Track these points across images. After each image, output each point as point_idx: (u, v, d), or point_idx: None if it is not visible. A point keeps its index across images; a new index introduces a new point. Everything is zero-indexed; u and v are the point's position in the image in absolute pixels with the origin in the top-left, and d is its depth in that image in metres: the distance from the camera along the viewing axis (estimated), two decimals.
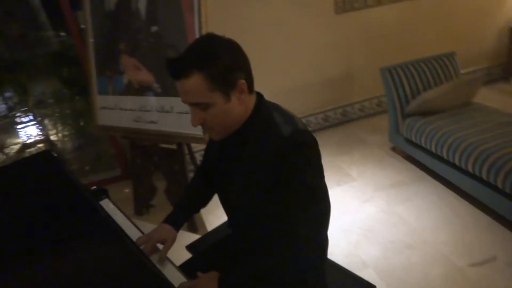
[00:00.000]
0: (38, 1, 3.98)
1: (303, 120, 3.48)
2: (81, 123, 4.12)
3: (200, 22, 2.10)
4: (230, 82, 1.01)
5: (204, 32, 2.10)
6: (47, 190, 1.36)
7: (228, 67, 1.00)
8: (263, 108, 1.11)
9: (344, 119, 3.68)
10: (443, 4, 3.58)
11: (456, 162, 2.35)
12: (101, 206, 1.50)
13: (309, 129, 3.33)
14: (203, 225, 2.55)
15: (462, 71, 3.10)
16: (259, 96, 1.15)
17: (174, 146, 2.47)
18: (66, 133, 4.17)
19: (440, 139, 2.45)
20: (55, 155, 1.59)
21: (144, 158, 2.63)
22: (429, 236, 2.18)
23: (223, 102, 1.03)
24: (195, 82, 0.98)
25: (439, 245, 2.11)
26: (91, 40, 2.56)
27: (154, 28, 2.28)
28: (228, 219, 1.31)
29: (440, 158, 2.53)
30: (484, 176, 2.17)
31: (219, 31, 3.04)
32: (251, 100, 1.10)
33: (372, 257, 2.10)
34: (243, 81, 1.04)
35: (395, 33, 3.51)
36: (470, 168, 2.26)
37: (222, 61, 0.99)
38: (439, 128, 2.51)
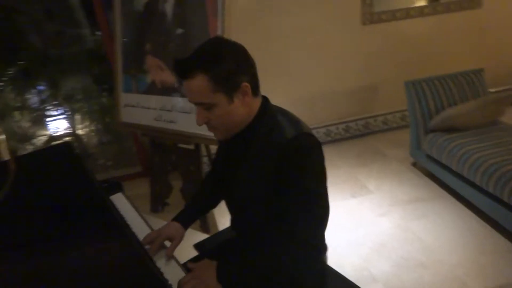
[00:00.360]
0: (77, 0, 4.14)
1: (324, 130, 3.48)
2: (107, 120, 4.24)
3: (223, 27, 2.13)
4: (233, 85, 1.04)
5: (226, 36, 2.13)
6: (61, 179, 1.42)
7: (231, 70, 1.03)
8: (268, 111, 1.14)
9: (365, 131, 3.64)
10: (475, 20, 3.50)
11: (477, 182, 2.28)
12: (110, 200, 1.55)
13: (329, 139, 3.29)
14: (215, 226, 2.57)
15: (490, 90, 3.01)
16: (265, 99, 1.17)
17: (192, 147, 2.51)
18: (92, 128, 4.30)
19: (462, 157, 2.39)
20: (75, 147, 1.65)
21: (163, 157, 2.68)
22: (444, 256, 2.12)
23: (226, 103, 1.05)
24: (199, 83, 1.02)
25: (453, 266, 2.04)
26: (124, 40, 2.64)
27: (179, 31, 2.34)
28: (231, 219, 1.33)
29: (461, 177, 2.45)
30: (505, 198, 2.09)
31: (242, 36, 3.10)
32: (256, 103, 1.13)
33: (383, 273, 2.06)
34: (247, 84, 1.06)
35: (423, 47, 3.46)
36: (491, 189, 2.18)
37: (226, 64, 1.02)
38: (461, 145, 2.44)
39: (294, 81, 3.34)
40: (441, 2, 3.38)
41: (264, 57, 3.18)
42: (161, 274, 1.10)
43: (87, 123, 4.31)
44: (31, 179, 1.46)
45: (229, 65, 1.02)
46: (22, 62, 3.84)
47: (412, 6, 3.33)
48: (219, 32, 2.15)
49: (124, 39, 2.63)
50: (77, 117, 4.31)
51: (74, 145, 1.69)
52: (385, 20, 3.29)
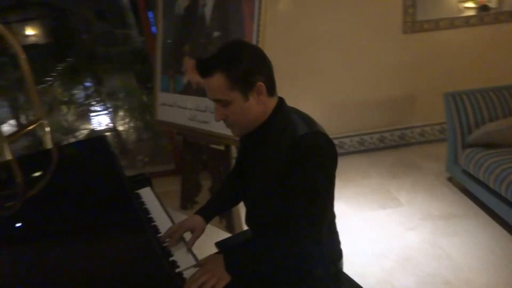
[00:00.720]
0: (127, 2, 4.34)
1: (357, 138, 3.43)
2: (147, 117, 4.39)
3: (258, 31, 2.17)
4: (248, 84, 1.10)
5: (261, 39, 2.17)
6: (93, 170, 1.50)
7: (247, 70, 1.08)
8: (283, 110, 1.19)
9: (401, 142, 3.55)
10: None
11: None
12: (137, 194, 1.62)
13: (363, 148, 3.24)
14: (240, 227, 2.60)
15: None
16: (280, 99, 1.21)
17: (222, 148, 2.55)
18: (132, 125, 4.47)
19: (500, 175, 2.28)
20: (109, 141, 1.74)
21: (194, 156, 2.75)
22: (473, 275, 2.03)
23: (241, 101, 1.11)
24: (217, 81, 1.09)
25: (482, 287, 1.95)
26: (164, 41, 2.74)
27: (216, 33, 2.40)
28: (246, 213, 1.35)
29: (498, 195, 2.34)
30: None
31: (278, 40, 3.13)
32: (271, 102, 1.17)
33: None
34: (261, 83, 1.11)
35: (465, 58, 3.33)
36: None
37: (242, 64, 1.08)
38: (500, 163, 2.33)
39: (327, 87, 3.32)
40: (490, 13, 3.25)
41: (299, 62, 3.21)
42: (173, 269, 1.13)
43: (127, 120, 4.49)
44: (67, 168, 1.56)
45: (245, 65, 1.09)
46: (70, 59, 4.07)
47: (457, 16, 3.22)
48: (254, 36, 2.19)
49: (166, 41, 2.73)
50: (119, 113, 4.50)
51: (110, 139, 1.76)
52: (427, 29, 3.21)
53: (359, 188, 2.95)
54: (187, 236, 1.33)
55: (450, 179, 2.92)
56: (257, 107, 1.14)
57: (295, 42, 3.18)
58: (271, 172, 1.16)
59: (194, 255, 1.26)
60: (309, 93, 3.33)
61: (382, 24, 3.19)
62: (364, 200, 2.80)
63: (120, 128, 4.48)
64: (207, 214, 1.37)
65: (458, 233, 2.35)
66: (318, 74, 3.28)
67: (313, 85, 3.31)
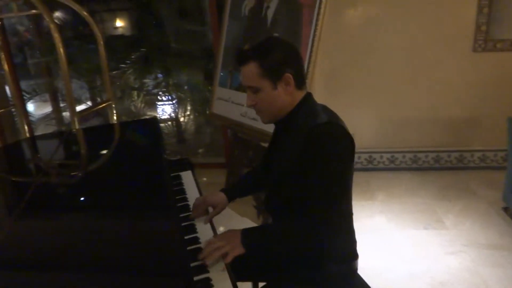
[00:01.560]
0: (207, 2, 4.58)
1: (411, 155, 3.32)
2: (207, 111, 4.60)
3: (314, 35, 2.21)
4: (277, 74, 1.18)
5: (315, 44, 2.21)
6: (140, 148, 1.65)
7: (277, 61, 1.17)
8: (309, 103, 1.25)
9: (458, 165, 3.37)
10: None
11: None
12: (178, 175, 1.75)
13: (416, 165, 3.16)
14: None
15: None
16: (308, 93, 1.27)
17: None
18: (192, 116, 4.71)
19: None
20: (158, 122, 1.89)
21: (241, 151, 2.85)
22: None
23: (270, 89, 1.20)
24: (250, 68, 1.19)
25: None
26: (231, 39, 2.88)
27: (275, 35, 2.48)
28: (265, 197, 1.41)
29: None
30: None
31: (338, 48, 3.15)
32: (299, 95, 1.24)
33: None
34: (290, 75, 1.18)
35: None
36: None
37: (273, 56, 1.18)
38: None
39: (384, 100, 3.26)
40: None
41: (358, 71, 3.20)
42: (187, 255, 1.18)
43: (189, 111, 4.74)
44: (119, 143, 1.73)
45: (276, 57, 1.18)
46: (143, 50, 4.39)
47: None
48: (309, 40, 2.24)
49: (230, 39, 2.87)
50: (182, 105, 4.76)
51: (158, 121, 1.92)
52: (500, 49, 3.03)
53: (404, 206, 2.87)
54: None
55: (505, 209, 2.73)
56: (284, 96, 1.21)
57: (356, 51, 3.17)
58: (289, 158, 1.21)
59: (213, 228, 1.35)
60: (365, 103, 3.30)
61: (451, 40, 3.08)
62: (408, 218, 2.71)
63: (181, 118, 4.74)
64: (231, 193, 1.47)
65: (502, 265, 2.20)
66: (376, 86, 3.24)
67: (370, 96, 3.27)
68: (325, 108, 1.26)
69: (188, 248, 1.24)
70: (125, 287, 0.93)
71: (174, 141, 4.73)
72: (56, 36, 2.29)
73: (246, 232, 1.19)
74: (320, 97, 3.39)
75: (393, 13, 3.05)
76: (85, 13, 2.54)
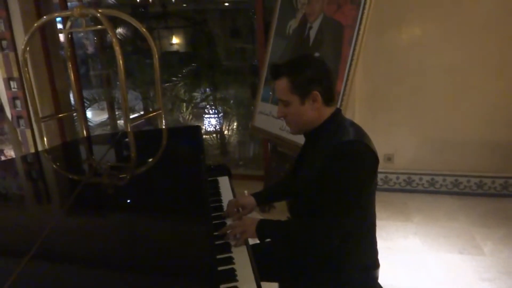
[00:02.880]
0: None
1: (452, 179, 3.27)
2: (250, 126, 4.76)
3: (352, 55, 2.30)
4: (305, 91, 1.29)
5: (354, 63, 2.30)
6: (181, 153, 1.81)
7: (307, 79, 1.28)
8: (337, 119, 1.34)
9: (503, 192, 3.26)
10: None
11: None
12: (216, 179, 1.89)
13: (456, 190, 3.13)
14: None
15: None
16: (338, 110, 1.36)
17: None
18: (236, 130, 4.90)
19: None
20: (201, 131, 2.05)
21: (279, 163, 2.96)
22: None
23: (298, 104, 1.31)
24: (282, 83, 1.31)
25: None
26: (275, 57, 3.04)
27: (316, 54, 2.60)
28: (289, 203, 1.51)
29: None
30: None
31: (380, 66, 3.24)
32: (327, 111, 1.33)
33: None
34: (317, 93, 1.28)
35: None
36: None
37: (304, 74, 1.28)
38: None
39: (426, 121, 3.25)
40: None
41: (400, 91, 3.24)
42: (215, 260, 1.23)
43: (232, 125, 4.93)
44: (164, 147, 1.91)
45: (306, 75, 1.29)
46: (194, 65, 4.67)
47: None
48: (348, 59, 2.33)
49: (274, 57, 3.02)
50: (227, 118, 4.97)
51: (201, 129, 2.08)
52: None
53: (441, 229, 2.82)
54: None
55: None
56: (311, 112, 1.32)
57: (399, 71, 3.21)
58: (314, 169, 1.31)
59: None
60: (405, 124, 3.30)
61: (499, 63, 3.03)
62: (443, 242, 2.67)
63: (226, 131, 4.94)
64: (259, 198, 1.59)
65: None
66: (418, 107, 3.24)
67: (411, 117, 3.27)
68: (352, 125, 1.35)
69: (217, 242, 1.37)
70: (157, 273, 0.98)
71: (218, 152, 4.93)
72: (117, 49, 2.55)
73: (262, 222, 1.33)
74: (361, 116, 3.49)
75: (437, 35, 3.07)
76: (144, 29, 2.80)
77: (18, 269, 0.87)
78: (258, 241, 1.37)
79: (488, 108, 3.12)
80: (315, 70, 1.31)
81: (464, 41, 3.03)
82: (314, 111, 1.32)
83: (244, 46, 5.14)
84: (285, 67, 1.32)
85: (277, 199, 1.70)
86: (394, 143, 3.38)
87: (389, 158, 3.41)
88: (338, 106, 2.37)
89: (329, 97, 1.33)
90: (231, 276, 1.18)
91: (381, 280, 1.50)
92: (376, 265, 1.39)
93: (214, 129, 4.97)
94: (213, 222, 1.50)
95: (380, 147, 3.35)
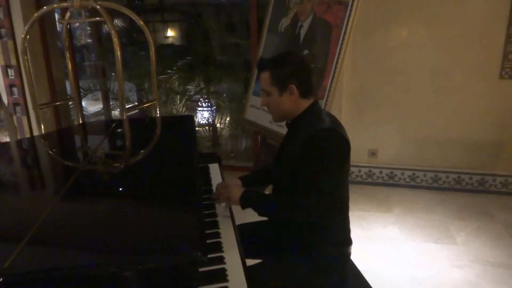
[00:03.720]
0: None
1: (432, 174, 3.43)
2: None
3: (339, 54, 2.44)
4: (283, 83, 1.44)
5: (340, 61, 2.44)
6: (175, 140, 1.94)
7: (286, 73, 1.43)
8: (314, 110, 1.49)
9: (479, 188, 3.44)
10: None
11: None
12: (207, 166, 2.02)
13: (436, 185, 3.31)
14: None
15: None
16: (314, 102, 1.51)
17: None
18: (227, 123, 5.02)
19: None
20: (194, 120, 2.18)
21: (267, 155, 3.10)
22: None
23: (277, 95, 1.46)
24: (265, 76, 1.47)
25: None
26: (267, 53, 3.17)
27: (305, 52, 2.73)
28: (273, 186, 1.66)
29: None
30: None
31: (368, 66, 3.45)
32: (304, 103, 1.48)
33: None
34: (293, 86, 1.43)
35: None
36: None
37: (283, 69, 1.44)
38: None
39: (410, 119, 3.41)
40: None
41: (386, 90, 3.39)
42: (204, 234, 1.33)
43: (225, 118, 5.06)
44: (157, 134, 2.03)
45: (285, 70, 1.44)
46: (189, 58, 4.78)
47: None
48: (335, 58, 2.47)
49: (266, 53, 3.15)
50: (219, 111, 5.09)
51: (194, 120, 2.21)
52: None
53: (418, 221, 2.99)
54: None
55: None
56: (289, 103, 1.47)
57: (385, 71, 3.36)
58: (293, 155, 1.45)
59: (230, 207, 1.61)
60: (390, 121, 3.46)
61: (479, 67, 3.20)
62: (420, 232, 2.84)
63: (218, 124, 5.07)
64: (245, 181, 1.73)
65: (506, 283, 2.29)
66: (402, 105, 3.40)
67: (396, 115, 3.43)
68: (328, 115, 1.50)
69: (207, 219, 1.51)
70: (149, 246, 1.04)
71: (210, 144, 5.06)
72: (115, 41, 2.65)
73: (246, 192, 1.50)
74: (348, 113, 3.64)
75: (422, 36, 3.22)
76: (142, 22, 2.90)
77: (16, 251, 0.93)
78: (243, 221, 1.52)
79: (469, 108, 3.29)
80: (293, 66, 1.45)
81: (448, 43, 3.19)
82: (291, 102, 1.47)
83: (239, 42, 5.26)
84: (268, 62, 1.48)
85: (262, 183, 1.84)
86: (379, 139, 3.54)
87: (373, 153, 3.57)
88: (324, 100, 2.52)
89: (306, 90, 1.47)
90: (217, 247, 1.33)
91: (358, 265, 1.66)
92: (349, 242, 1.54)
93: (206, 122, 5.10)
94: (203, 202, 1.64)
95: (365, 143, 3.54)
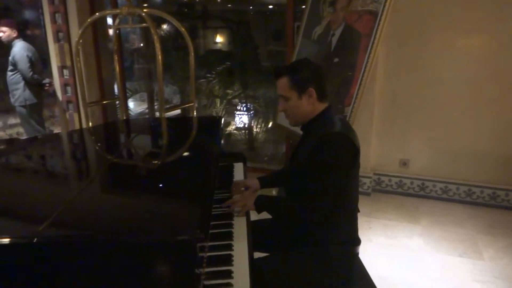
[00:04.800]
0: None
1: (465, 188, 3.36)
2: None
3: (367, 62, 2.49)
4: (302, 87, 1.52)
5: (367, 70, 2.49)
6: (200, 139, 2.09)
7: (304, 78, 1.52)
8: (328, 113, 1.57)
9: None
10: None
11: None
12: (231, 164, 2.16)
13: (469, 199, 3.28)
14: None
15: None
16: (329, 106, 1.59)
17: None
18: (263, 128, 5.15)
19: None
20: (221, 120, 2.33)
21: None
22: None
23: (296, 99, 1.54)
24: (283, 81, 1.55)
25: None
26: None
27: (336, 60, 2.80)
28: (285, 186, 1.75)
29: None
30: None
31: (400, 77, 3.49)
32: (320, 106, 1.57)
33: None
34: (312, 89, 1.52)
35: None
36: None
37: (301, 73, 1.52)
38: None
39: (441, 131, 3.37)
40: None
41: (417, 101, 3.39)
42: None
43: (261, 123, 5.19)
44: (185, 133, 2.20)
45: (303, 74, 1.52)
46: (228, 63, 4.97)
47: None
48: (363, 66, 2.53)
49: (298, 58, 3.24)
50: (256, 116, 5.23)
51: (222, 120, 2.36)
52: None
53: (445, 233, 2.95)
54: None
55: None
56: (307, 106, 1.55)
57: (419, 81, 3.34)
58: (304, 156, 1.53)
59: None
60: (422, 131, 3.43)
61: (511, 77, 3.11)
62: (446, 245, 2.80)
63: (254, 128, 5.21)
64: (263, 180, 1.84)
65: None
66: (436, 116, 3.36)
67: (428, 125, 3.40)
68: (341, 120, 1.56)
69: (223, 211, 1.64)
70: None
71: (245, 147, 5.21)
72: (157, 46, 2.86)
73: (260, 197, 1.59)
74: (379, 122, 3.66)
75: (457, 47, 3.18)
76: (183, 29, 3.10)
77: (49, 220, 1.10)
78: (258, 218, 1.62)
79: (504, 122, 3.20)
80: (310, 71, 1.54)
81: (484, 55, 3.13)
82: (310, 105, 1.55)
83: (282, 49, 5.39)
84: (285, 68, 1.57)
85: (278, 184, 1.94)
86: (410, 149, 3.51)
87: (404, 163, 3.55)
88: (350, 107, 2.58)
89: (322, 94, 1.56)
90: (228, 235, 1.45)
91: (376, 271, 1.71)
92: (356, 241, 1.60)
93: (243, 126, 5.26)
94: (223, 196, 1.76)
95: (396, 152, 3.54)
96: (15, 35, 4.33)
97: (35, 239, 0.97)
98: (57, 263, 0.99)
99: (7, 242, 0.97)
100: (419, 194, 3.56)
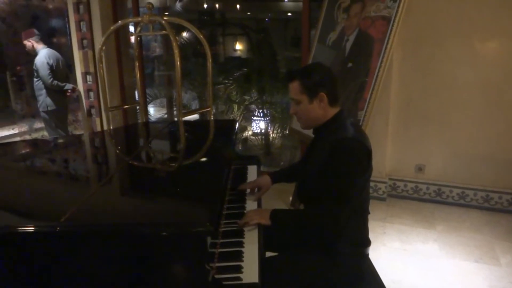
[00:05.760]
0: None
1: (483, 194, 3.32)
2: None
3: (380, 67, 2.53)
4: (314, 91, 1.55)
5: (380, 74, 2.52)
6: (216, 141, 2.17)
7: (315, 82, 1.54)
8: (340, 118, 1.59)
9: None
10: None
11: None
12: (245, 167, 2.22)
13: (487, 205, 3.26)
14: None
15: None
16: (341, 110, 1.61)
17: None
18: (279, 133, 5.21)
19: None
20: (236, 124, 2.40)
21: None
22: None
23: (307, 103, 1.57)
24: (294, 85, 1.58)
25: None
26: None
27: (349, 64, 2.84)
28: (297, 188, 1.78)
29: None
30: None
31: (415, 79, 3.51)
32: (331, 111, 1.59)
33: None
34: (323, 94, 1.54)
35: None
36: None
37: (313, 77, 1.55)
38: None
39: (460, 134, 3.34)
40: None
41: (433, 104, 3.38)
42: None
43: (278, 128, 5.25)
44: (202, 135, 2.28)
45: (314, 79, 1.54)
46: (245, 69, 5.05)
47: None
48: (376, 70, 2.56)
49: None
50: (273, 121, 5.30)
51: (237, 124, 2.43)
52: None
53: (461, 239, 2.92)
54: None
55: None
56: (318, 110, 1.57)
57: (434, 85, 3.33)
58: (317, 161, 1.56)
59: (259, 204, 1.79)
60: (438, 136, 3.42)
61: None
62: (461, 250, 2.78)
63: (270, 133, 5.27)
64: (275, 177, 1.89)
65: None
66: (452, 120, 3.34)
67: (444, 130, 3.38)
68: (353, 124, 1.59)
69: (236, 211, 1.69)
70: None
71: (261, 152, 5.27)
72: (176, 52, 2.96)
73: (275, 211, 1.58)
74: (394, 126, 3.66)
75: (473, 51, 3.16)
76: (201, 36, 3.20)
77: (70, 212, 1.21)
78: None
79: None
80: (322, 75, 1.56)
81: (501, 58, 3.10)
82: (321, 109, 1.57)
83: (299, 55, 5.46)
84: (297, 72, 1.60)
85: (289, 180, 1.98)
86: (426, 154, 3.50)
87: (420, 169, 3.54)
88: (364, 111, 2.61)
89: (334, 99, 1.58)
90: (240, 233, 1.50)
91: (390, 274, 1.72)
92: (367, 243, 1.62)
93: (260, 131, 5.33)
94: (233, 196, 1.82)
95: (412, 157, 3.54)
96: (40, 46, 4.39)
97: (57, 228, 1.06)
98: (76, 252, 1.08)
99: (32, 230, 1.05)
100: (435, 200, 3.53)
